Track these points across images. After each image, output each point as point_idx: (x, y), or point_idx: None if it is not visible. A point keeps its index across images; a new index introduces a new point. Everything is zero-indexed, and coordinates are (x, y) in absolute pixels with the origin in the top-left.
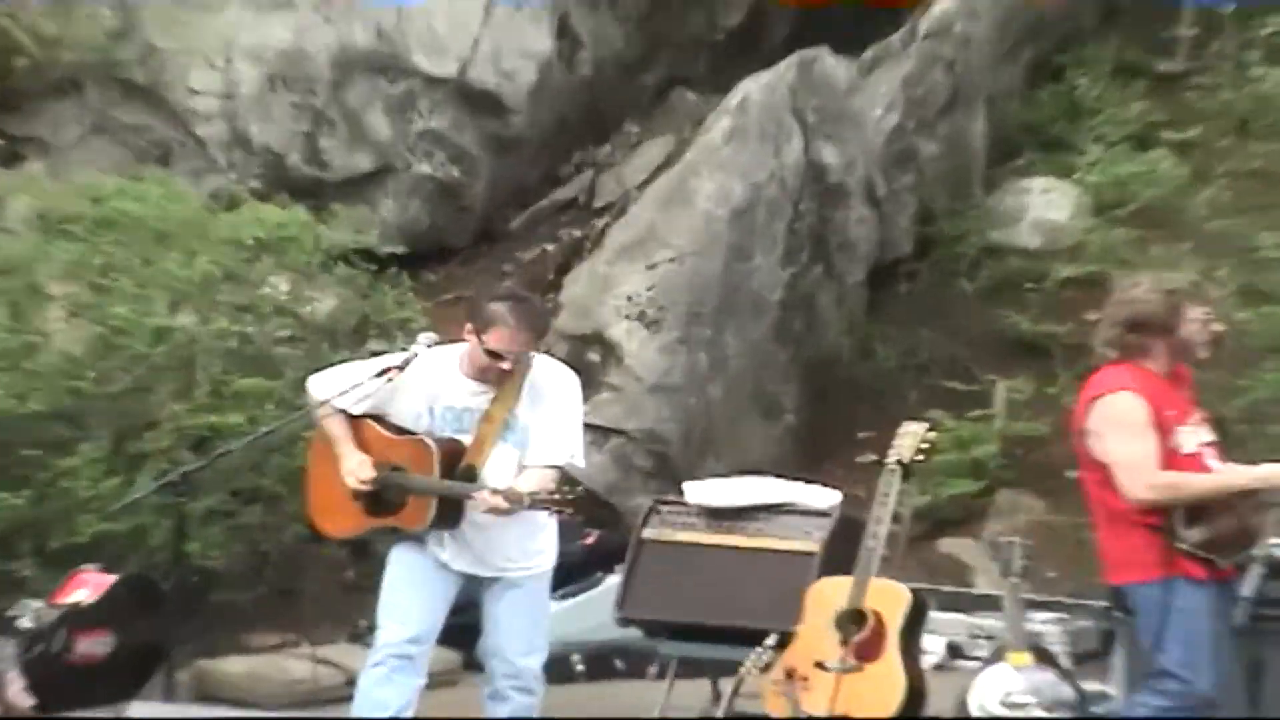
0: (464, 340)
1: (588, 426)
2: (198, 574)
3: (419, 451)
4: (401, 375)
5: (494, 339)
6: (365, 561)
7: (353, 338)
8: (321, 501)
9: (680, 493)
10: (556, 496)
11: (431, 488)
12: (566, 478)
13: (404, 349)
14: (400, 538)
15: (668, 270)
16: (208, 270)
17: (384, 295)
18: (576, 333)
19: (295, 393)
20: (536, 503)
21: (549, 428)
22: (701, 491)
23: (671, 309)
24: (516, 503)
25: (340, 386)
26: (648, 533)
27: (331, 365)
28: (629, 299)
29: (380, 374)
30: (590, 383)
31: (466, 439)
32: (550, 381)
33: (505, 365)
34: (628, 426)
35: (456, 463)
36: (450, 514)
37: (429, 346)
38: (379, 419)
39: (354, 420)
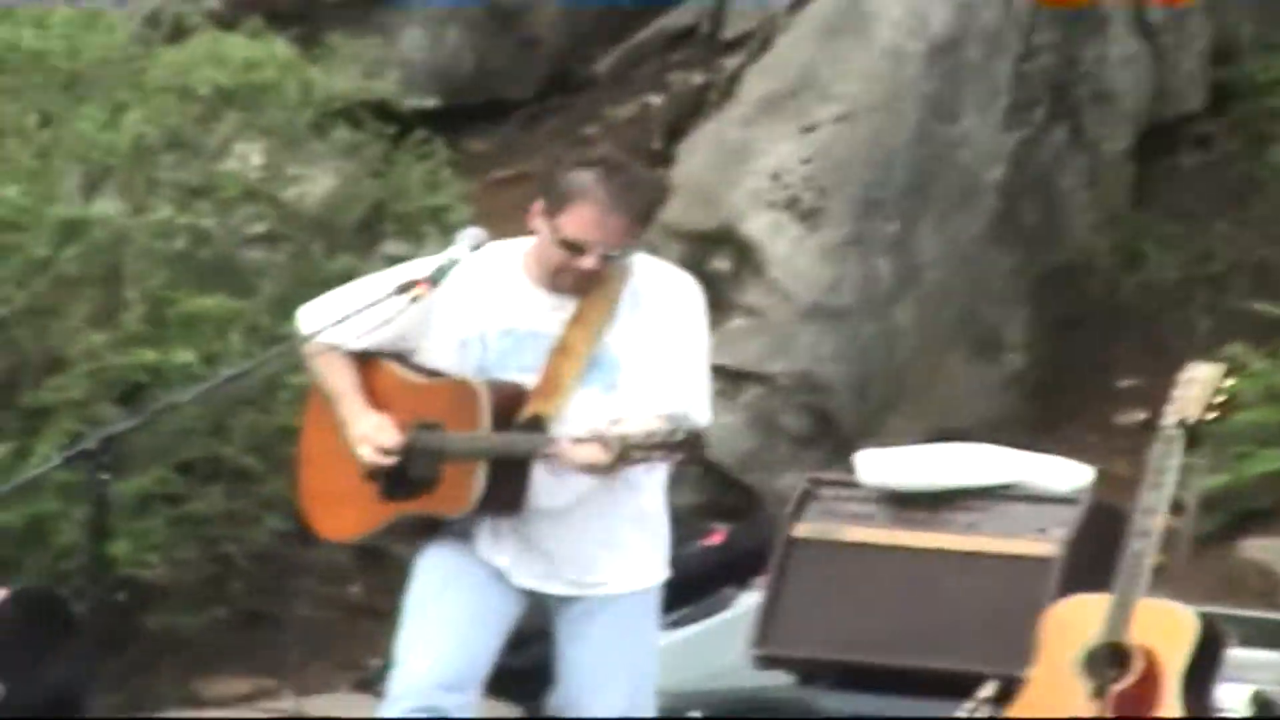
0: (529, 234)
1: (713, 369)
2: (126, 589)
3: (460, 397)
4: (434, 292)
5: (573, 223)
6: (378, 571)
7: (360, 236)
8: (320, 486)
9: (850, 469)
10: (659, 440)
11: (479, 445)
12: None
13: (437, 253)
14: (431, 534)
15: (832, 134)
16: (141, 133)
17: (407, 173)
18: (694, 229)
19: (274, 318)
20: (635, 453)
21: (658, 363)
22: (882, 466)
23: (838, 193)
24: (617, 453)
25: (342, 314)
26: (801, 529)
27: (328, 283)
28: (774, 178)
29: (401, 289)
30: (716, 304)
31: (531, 381)
32: (661, 295)
33: (588, 263)
34: (772, 369)
35: (516, 413)
36: (508, 488)
37: (474, 249)
38: (401, 359)
39: (365, 363)
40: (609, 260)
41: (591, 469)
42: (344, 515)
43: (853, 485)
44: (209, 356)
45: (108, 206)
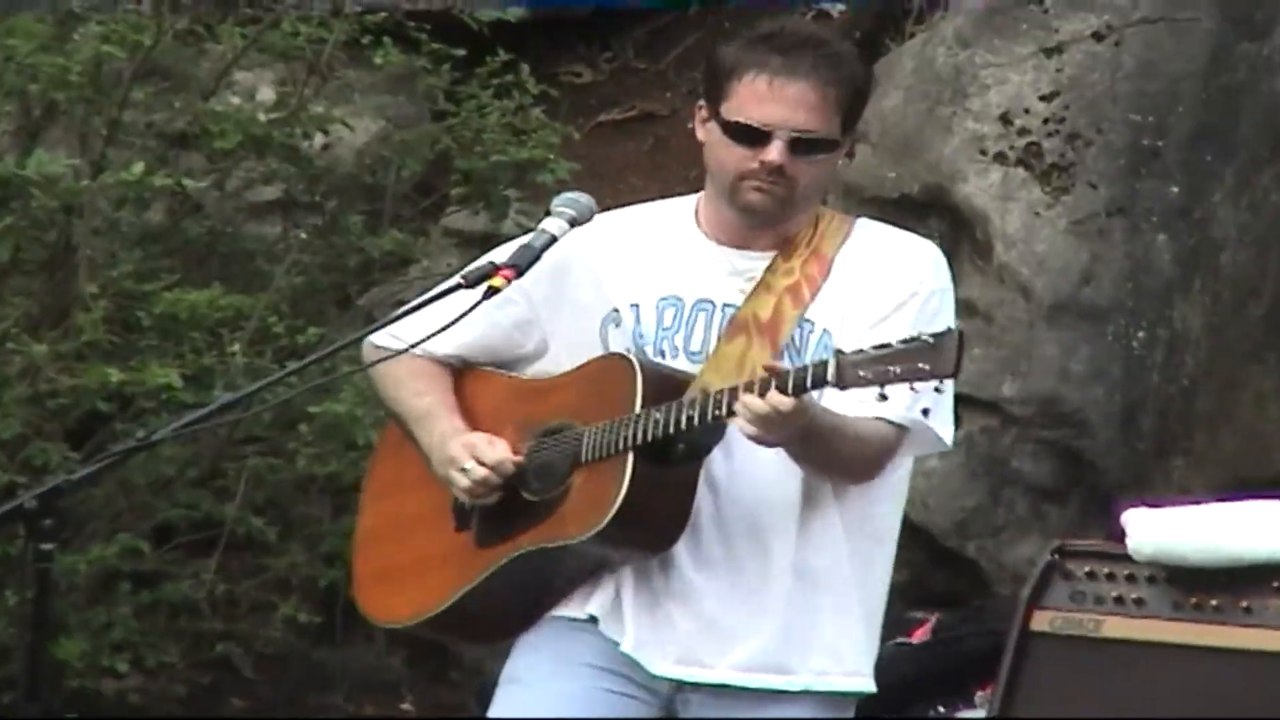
0: (657, 195)
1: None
2: (80, 707)
3: (599, 379)
4: (534, 275)
5: (742, 99)
6: (438, 680)
7: (414, 203)
8: (387, 563)
9: (1111, 534)
10: (883, 369)
11: (622, 430)
12: None
13: (523, 230)
14: (536, 613)
15: (1088, 58)
16: (99, 55)
17: (481, 114)
18: (887, 192)
19: (291, 319)
20: (854, 373)
21: (886, 339)
22: (1158, 531)
23: (1096, 142)
24: (836, 375)
25: (426, 328)
26: (1044, 619)
27: (367, 270)
28: (1004, 120)
29: (472, 281)
30: None
31: (696, 368)
32: (892, 263)
33: (773, 154)
34: (1002, 393)
35: (676, 395)
36: (662, 496)
37: (574, 222)
38: (500, 369)
39: (461, 375)
40: (802, 156)
41: (786, 424)
42: (419, 586)
43: (1116, 557)
44: (198, 375)
45: (52, 160)
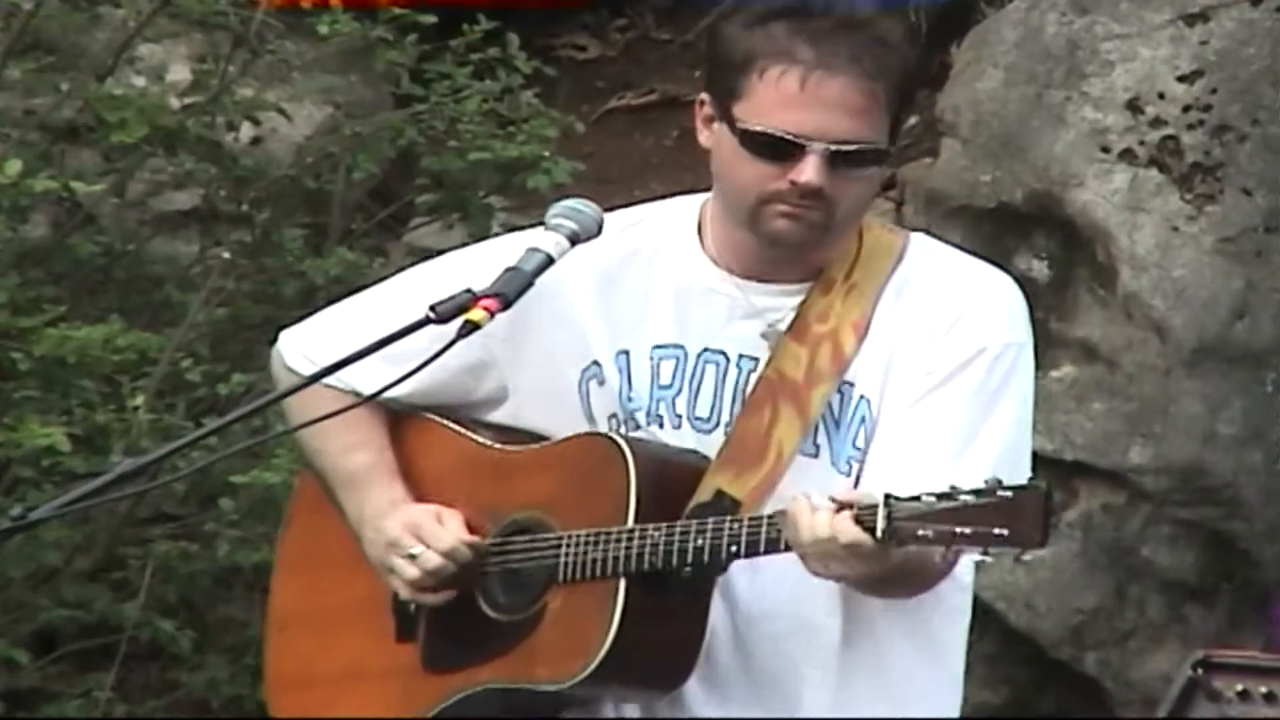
0: (683, 190)
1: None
2: None
3: (579, 465)
4: (521, 307)
5: (765, 101)
6: None
7: (370, 212)
8: (305, 664)
9: (1272, 640)
10: (949, 530)
11: (619, 545)
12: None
13: (512, 233)
14: None
15: (1240, 30)
16: None
17: (457, 99)
18: (979, 200)
19: (213, 362)
20: (920, 528)
21: (937, 420)
22: None
23: (1257, 133)
24: (885, 528)
25: (355, 344)
26: None
27: (310, 298)
28: (1132, 109)
29: (444, 314)
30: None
31: (709, 443)
32: (950, 298)
33: (807, 173)
34: (1130, 458)
35: (683, 494)
36: (663, 630)
37: (576, 238)
38: (466, 421)
39: (400, 426)
40: (843, 172)
41: (851, 557)
42: (351, 707)
43: (1277, 672)
44: (90, 436)
45: None
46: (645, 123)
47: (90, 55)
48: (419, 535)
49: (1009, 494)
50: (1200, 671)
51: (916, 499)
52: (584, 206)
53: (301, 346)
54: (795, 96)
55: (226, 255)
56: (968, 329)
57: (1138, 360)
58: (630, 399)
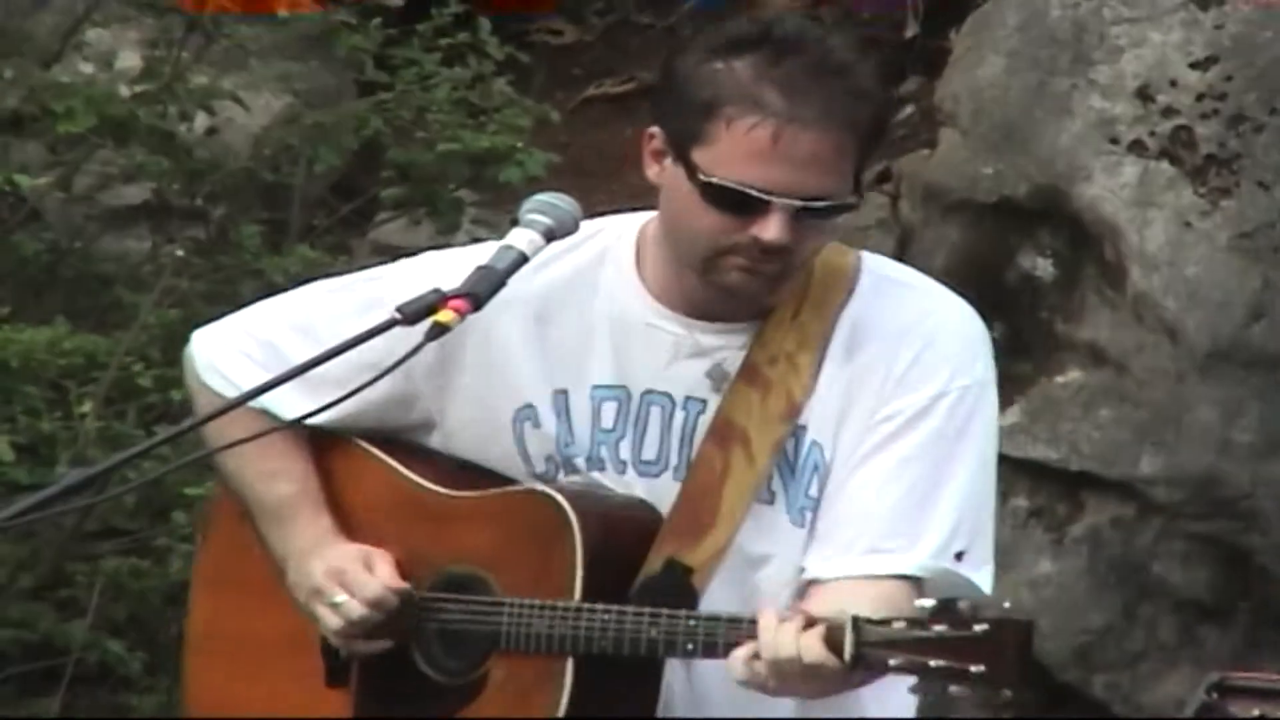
0: (648, 201)
1: (1024, 467)
2: None
3: (521, 524)
4: (450, 340)
5: (728, 152)
6: None
7: (333, 208)
8: (225, 694)
9: None
10: (921, 662)
11: (559, 630)
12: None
13: (482, 240)
14: None
15: (1262, 10)
16: None
17: (426, 83)
18: (979, 194)
19: (165, 367)
20: (885, 656)
21: (896, 472)
22: None
23: (1275, 123)
24: (832, 672)
25: (292, 353)
26: None
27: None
28: (1143, 97)
29: (411, 315)
30: (1026, 345)
31: (661, 494)
32: (904, 339)
33: (771, 232)
34: (1140, 469)
35: (633, 560)
36: (618, 701)
37: (552, 234)
38: (394, 445)
39: (323, 449)
40: (808, 227)
41: (813, 678)
42: None
43: None
44: (34, 445)
45: None
46: (625, 112)
47: (35, 41)
48: (343, 582)
49: (987, 626)
50: (1215, 696)
51: (887, 623)
52: (560, 201)
53: (212, 356)
54: (765, 152)
55: (180, 253)
56: (923, 373)
57: (1148, 365)
58: (568, 444)
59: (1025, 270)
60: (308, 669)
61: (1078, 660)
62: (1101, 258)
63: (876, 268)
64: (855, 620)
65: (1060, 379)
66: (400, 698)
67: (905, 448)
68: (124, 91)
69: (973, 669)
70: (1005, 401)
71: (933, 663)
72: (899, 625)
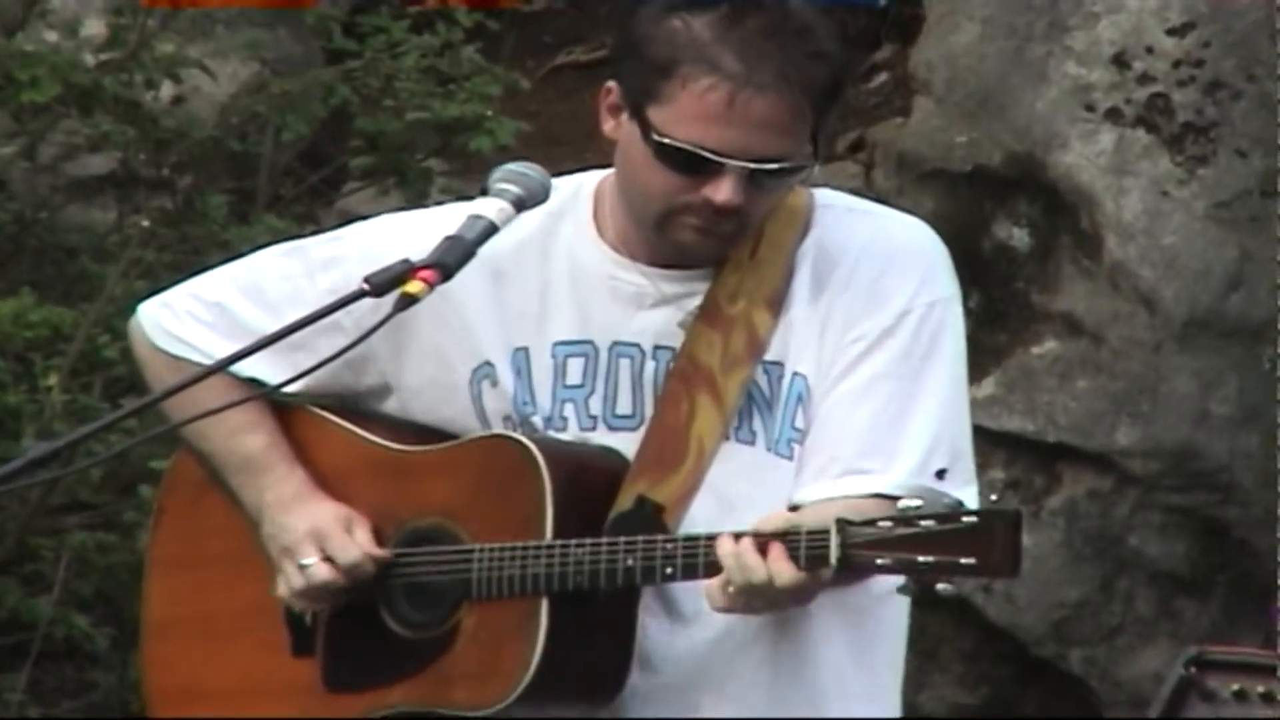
0: (607, 158)
1: (1001, 439)
2: None
3: (489, 471)
4: (369, 300)
5: (683, 112)
6: None
7: (300, 178)
8: (188, 672)
9: (1271, 636)
10: (910, 559)
11: (531, 571)
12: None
13: (447, 201)
14: None
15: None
16: None
17: (394, 51)
18: (953, 164)
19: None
20: (868, 555)
21: (866, 391)
22: None
23: (1254, 90)
24: (809, 578)
25: (248, 321)
26: None
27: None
28: (1120, 61)
29: (380, 285)
30: (1002, 313)
31: (626, 442)
32: (866, 261)
33: (723, 194)
34: (1117, 440)
35: (603, 502)
36: (591, 651)
37: (522, 204)
38: (350, 412)
39: (284, 416)
40: (762, 188)
41: (794, 594)
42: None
43: (1275, 670)
44: (2, 417)
45: None
46: (596, 80)
47: None
48: (324, 545)
49: (975, 519)
50: (1193, 670)
51: (872, 523)
52: (530, 170)
53: (162, 321)
54: (720, 114)
55: (146, 223)
56: (887, 292)
57: (1125, 335)
58: (525, 403)
59: (1000, 240)
60: (273, 641)
61: (1054, 634)
62: (1077, 227)
63: (831, 200)
64: (840, 522)
65: (1036, 350)
66: (369, 659)
67: (874, 366)
68: (89, 60)
69: (963, 561)
70: (981, 373)
71: (921, 559)
72: (885, 525)
